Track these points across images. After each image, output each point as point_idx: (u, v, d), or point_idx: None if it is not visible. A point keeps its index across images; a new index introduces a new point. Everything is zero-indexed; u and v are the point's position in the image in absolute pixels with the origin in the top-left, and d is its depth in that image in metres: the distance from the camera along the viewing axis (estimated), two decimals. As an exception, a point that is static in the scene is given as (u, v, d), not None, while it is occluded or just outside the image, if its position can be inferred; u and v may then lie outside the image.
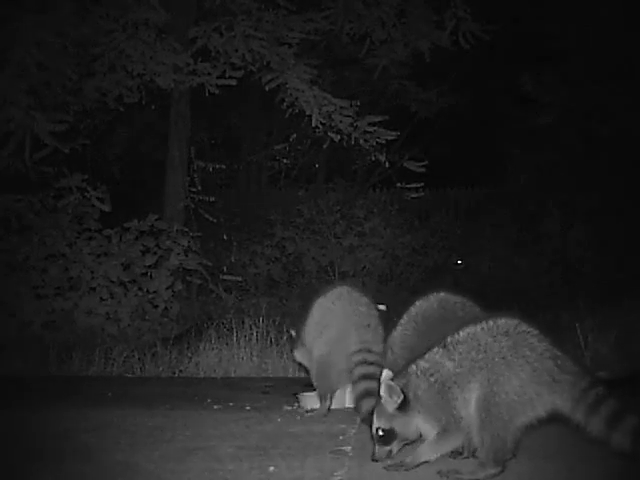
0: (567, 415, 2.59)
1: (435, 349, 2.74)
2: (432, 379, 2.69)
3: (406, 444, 2.76)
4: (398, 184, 9.78)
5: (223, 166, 9.36)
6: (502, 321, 2.74)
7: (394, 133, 7.80)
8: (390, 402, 2.70)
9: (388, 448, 2.72)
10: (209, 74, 7.16)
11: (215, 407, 3.84)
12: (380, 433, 2.71)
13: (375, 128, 7.64)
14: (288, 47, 7.30)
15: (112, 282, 6.38)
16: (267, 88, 7.40)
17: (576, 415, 2.56)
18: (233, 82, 7.27)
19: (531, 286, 9.35)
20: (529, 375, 2.60)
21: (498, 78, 11.08)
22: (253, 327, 5.56)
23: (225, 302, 7.60)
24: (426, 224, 11.02)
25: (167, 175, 7.72)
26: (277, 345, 5.36)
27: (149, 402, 3.88)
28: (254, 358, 5.20)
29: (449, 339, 2.73)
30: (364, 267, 9.42)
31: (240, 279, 8.15)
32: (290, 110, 7.58)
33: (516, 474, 2.66)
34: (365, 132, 7.62)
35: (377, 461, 2.71)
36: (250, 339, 5.40)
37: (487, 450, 2.58)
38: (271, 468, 2.70)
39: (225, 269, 8.27)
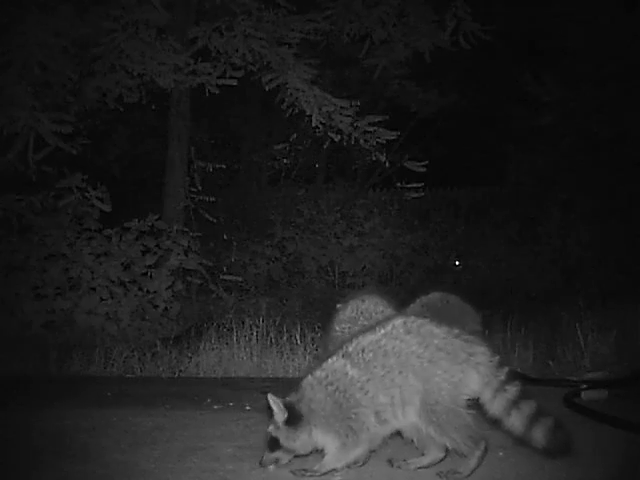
0: (484, 402, 2.62)
1: (334, 358, 2.69)
2: (331, 388, 2.63)
3: (306, 456, 2.71)
4: (398, 184, 9.79)
5: (223, 166, 9.36)
6: (398, 322, 2.73)
7: (394, 133, 7.80)
8: (279, 414, 2.66)
9: (273, 455, 2.66)
10: (209, 74, 7.16)
11: (215, 407, 3.84)
12: (268, 438, 2.67)
13: (375, 128, 7.64)
14: (288, 47, 7.30)
15: (112, 282, 6.38)
16: (267, 88, 7.40)
17: (494, 405, 2.59)
18: (233, 82, 7.27)
19: (531, 286, 9.35)
20: (447, 359, 2.62)
21: (498, 78, 11.08)
22: (253, 327, 5.56)
23: (225, 302, 7.60)
24: (426, 224, 11.01)
25: (167, 175, 7.72)
26: (277, 345, 5.36)
27: (149, 402, 3.88)
28: (254, 358, 5.20)
29: (351, 347, 2.68)
30: (364, 267, 9.42)
31: (240, 279, 8.15)
32: (290, 110, 7.57)
33: (515, 473, 2.67)
34: (365, 132, 7.62)
35: (263, 466, 2.66)
36: (250, 339, 5.40)
37: (462, 443, 2.58)
38: (271, 468, 2.70)
39: (225, 269, 8.27)
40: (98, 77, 6.96)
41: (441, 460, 2.69)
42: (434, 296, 3.73)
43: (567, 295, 7.97)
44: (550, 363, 4.78)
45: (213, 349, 5.32)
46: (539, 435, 2.52)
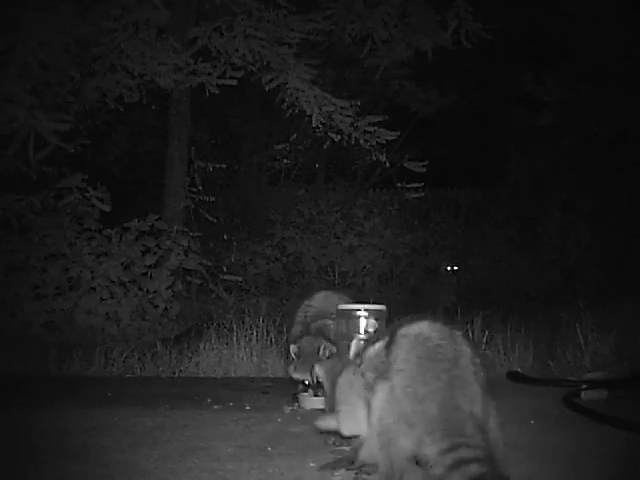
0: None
1: None
2: None
3: None
4: (398, 184, 9.80)
5: (223, 166, 9.37)
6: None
7: (394, 133, 7.81)
8: None
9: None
10: (209, 74, 7.16)
11: (215, 407, 3.83)
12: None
13: (375, 128, 7.64)
14: (288, 47, 7.30)
15: (112, 282, 6.38)
16: (267, 88, 7.40)
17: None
18: (233, 82, 7.28)
19: (531, 286, 9.36)
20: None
21: (498, 78, 11.09)
22: (253, 327, 5.56)
23: (225, 302, 7.60)
24: (426, 224, 11.03)
25: (167, 175, 7.72)
26: (277, 345, 5.36)
27: (149, 402, 3.88)
28: (254, 358, 5.19)
29: None
30: (364, 267, 9.44)
31: (240, 279, 8.15)
32: (290, 110, 7.58)
33: (516, 475, 2.66)
34: (365, 132, 7.62)
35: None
36: (250, 339, 5.40)
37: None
38: (271, 468, 2.69)
39: (225, 269, 8.27)
40: (98, 77, 6.96)
41: None
42: (320, 295, 3.74)
43: (567, 295, 7.98)
44: (550, 363, 4.78)
45: (213, 349, 5.32)
46: None
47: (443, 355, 2.03)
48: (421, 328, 2.12)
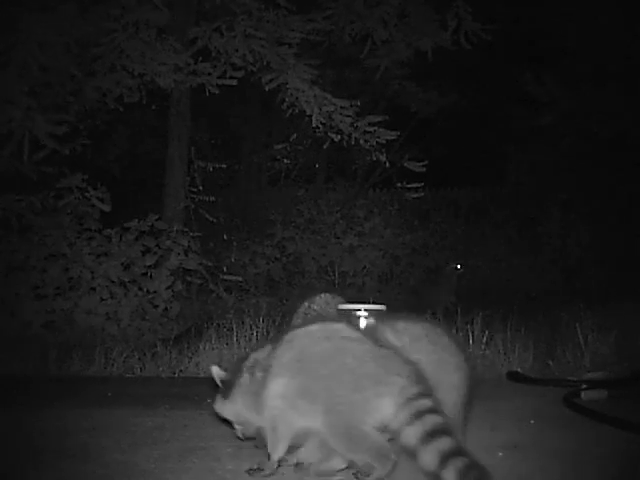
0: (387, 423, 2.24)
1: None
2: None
3: None
4: (398, 184, 9.79)
5: (223, 166, 9.37)
6: (327, 325, 2.50)
7: (394, 133, 7.81)
8: None
9: None
10: (209, 74, 7.16)
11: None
12: None
13: (375, 128, 7.64)
14: (288, 47, 7.30)
15: (112, 282, 6.38)
16: (267, 88, 7.40)
17: (394, 423, 2.21)
18: (233, 82, 7.28)
19: (531, 286, 9.36)
20: (351, 382, 2.29)
21: (498, 78, 11.09)
22: (253, 327, 5.55)
23: (225, 302, 7.60)
24: (426, 224, 11.03)
25: (167, 175, 7.72)
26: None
27: (149, 402, 3.88)
28: (254, 358, 5.18)
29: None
30: (364, 267, 9.43)
31: (240, 279, 8.15)
32: (290, 110, 7.58)
33: (515, 473, 2.66)
34: (365, 132, 7.62)
35: None
36: (250, 339, 5.39)
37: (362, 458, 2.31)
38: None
39: (225, 269, 8.27)
40: (98, 77, 6.96)
41: None
42: (322, 298, 3.74)
43: (567, 295, 7.98)
44: (550, 363, 4.77)
45: (213, 349, 5.32)
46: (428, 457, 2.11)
47: (321, 352, 2.37)
48: (306, 331, 2.47)
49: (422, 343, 2.51)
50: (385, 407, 2.24)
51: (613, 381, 4.04)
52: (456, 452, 2.09)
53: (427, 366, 2.35)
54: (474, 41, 7.60)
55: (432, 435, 2.13)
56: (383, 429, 2.26)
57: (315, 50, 8.22)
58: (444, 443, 2.11)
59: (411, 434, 2.16)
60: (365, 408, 2.27)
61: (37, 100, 6.52)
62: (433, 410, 2.19)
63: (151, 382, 4.73)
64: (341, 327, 2.47)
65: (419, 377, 2.28)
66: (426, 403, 2.20)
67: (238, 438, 2.75)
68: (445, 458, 2.08)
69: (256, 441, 2.63)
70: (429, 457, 2.11)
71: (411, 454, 2.16)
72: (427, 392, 2.24)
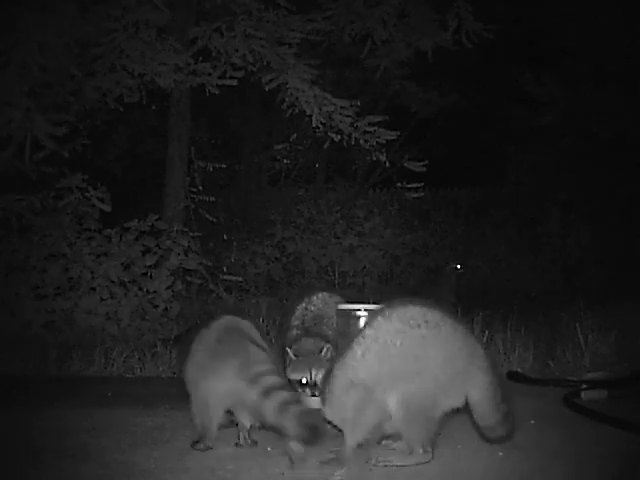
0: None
1: None
2: None
3: None
4: (398, 184, 9.78)
5: (223, 166, 9.36)
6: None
7: (394, 133, 7.80)
8: None
9: None
10: (209, 74, 7.15)
11: (215, 407, 3.83)
12: None
13: (375, 128, 7.63)
14: (288, 47, 7.29)
15: (112, 282, 6.38)
16: (267, 88, 7.40)
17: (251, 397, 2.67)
18: (234, 82, 7.27)
19: (531, 286, 9.36)
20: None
21: (498, 78, 11.10)
22: (253, 327, 5.54)
23: (225, 302, 7.60)
24: (426, 224, 11.03)
25: (167, 175, 7.72)
26: (277, 345, 5.34)
27: (149, 402, 3.88)
28: (254, 358, 5.18)
29: None
30: (364, 267, 9.44)
31: (240, 279, 8.15)
32: (290, 110, 7.57)
33: (515, 473, 2.66)
34: (365, 132, 7.61)
35: None
36: (250, 339, 5.38)
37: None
38: (271, 468, 2.69)
39: (225, 269, 8.27)
40: (98, 77, 6.95)
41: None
42: (320, 297, 3.73)
43: (567, 295, 7.98)
44: (550, 363, 4.78)
45: (213, 349, 5.31)
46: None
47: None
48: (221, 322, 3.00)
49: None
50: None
51: (613, 381, 4.05)
52: None
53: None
54: (474, 41, 7.60)
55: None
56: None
57: (315, 50, 8.22)
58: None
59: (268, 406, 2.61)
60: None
61: (37, 100, 6.51)
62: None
63: (151, 382, 4.73)
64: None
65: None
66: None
67: (237, 442, 2.79)
68: None
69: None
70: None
71: None
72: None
